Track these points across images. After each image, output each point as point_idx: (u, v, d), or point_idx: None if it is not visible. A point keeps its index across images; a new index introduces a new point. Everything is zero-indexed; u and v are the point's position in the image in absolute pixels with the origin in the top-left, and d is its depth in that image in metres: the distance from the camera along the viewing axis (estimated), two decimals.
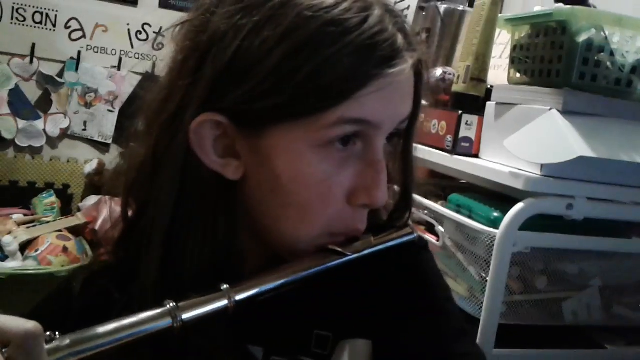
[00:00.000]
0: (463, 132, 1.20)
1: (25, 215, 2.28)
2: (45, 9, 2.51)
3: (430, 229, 1.22)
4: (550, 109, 1.01)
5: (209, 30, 0.53)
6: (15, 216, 2.21)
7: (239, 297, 0.51)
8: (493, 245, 1.00)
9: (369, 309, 0.61)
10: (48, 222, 2.20)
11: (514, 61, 1.17)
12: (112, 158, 2.65)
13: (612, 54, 1.01)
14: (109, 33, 2.62)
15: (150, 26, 2.67)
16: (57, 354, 0.44)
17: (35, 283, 1.88)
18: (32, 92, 2.54)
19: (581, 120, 0.99)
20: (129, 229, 0.60)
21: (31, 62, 2.51)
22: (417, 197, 0.93)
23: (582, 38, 0.99)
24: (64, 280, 0.66)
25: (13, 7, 2.47)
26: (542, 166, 0.98)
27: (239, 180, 0.55)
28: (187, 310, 0.49)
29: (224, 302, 0.51)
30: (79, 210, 2.43)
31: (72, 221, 2.23)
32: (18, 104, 2.51)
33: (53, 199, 2.39)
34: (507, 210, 0.99)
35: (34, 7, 2.50)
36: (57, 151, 2.61)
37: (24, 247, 2.02)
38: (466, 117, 1.20)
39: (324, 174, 0.53)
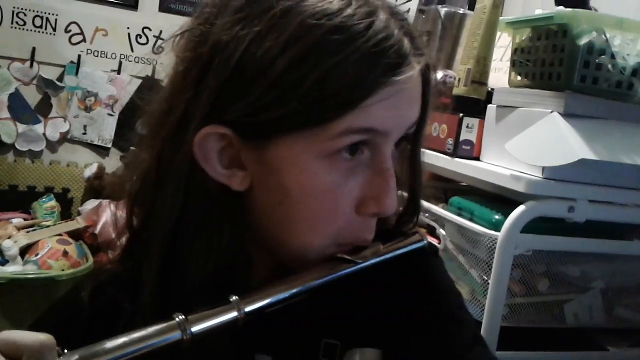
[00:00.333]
0: (464, 135, 1.20)
1: (25, 219, 2.27)
2: (45, 13, 2.52)
3: (432, 232, 1.22)
4: (552, 111, 1.01)
5: (209, 41, 0.52)
6: (15, 220, 2.21)
7: (248, 308, 0.51)
8: (494, 247, 1.00)
9: (378, 317, 0.61)
10: (48, 226, 2.19)
11: (514, 64, 1.18)
12: (112, 162, 2.65)
13: (613, 56, 1.01)
14: (109, 37, 2.63)
15: (150, 30, 2.67)
16: None
17: (35, 287, 1.88)
18: (32, 96, 2.54)
19: (582, 122, 0.99)
20: (135, 238, 0.59)
21: (31, 66, 2.51)
22: None
23: (583, 41, 0.99)
24: (71, 288, 0.66)
25: (13, 11, 2.47)
26: (544, 169, 0.98)
27: (245, 191, 0.54)
28: (196, 323, 0.49)
29: (233, 314, 0.50)
30: (78, 214, 2.43)
31: (72, 225, 2.23)
32: (18, 108, 2.51)
33: (53, 203, 2.39)
34: (509, 213, 0.99)
35: (34, 11, 2.50)
36: (57, 155, 2.61)
37: (24, 251, 2.02)
38: (467, 120, 1.20)
39: (331, 184, 0.52)
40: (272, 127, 0.51)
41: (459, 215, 1.14)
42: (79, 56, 2.58)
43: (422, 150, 0.61)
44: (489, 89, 1.23)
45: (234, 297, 0.51)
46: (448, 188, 1.29)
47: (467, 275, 1.10)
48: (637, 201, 1.04)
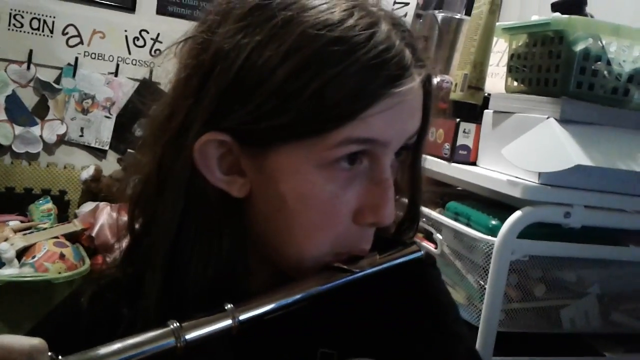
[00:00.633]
0: (461, 140, 1.20)
1: (21, 222, 2.27)
2: (42, 15, 2.52)
3: (429, 237, 1.23)
4: (548, 117, 1.01)
5: (211, 49, 0.52)
6: (11, 223, 2.20)
7: (243, 316, 0.51)
8: (491, 253, 1.00)
9: (375, 327, 0.61)
10: (45, 228, 2.19)
11: (511, 70, 1.18)
12: (109, 164, 2.65)
13: (609, 63, 1.02)
14: (107, 39, 2.63)
15: (147, 32, 2.67)
16: None
17: (32, 290, 1.88)
18: (29, 98, 2.53)
19: (578, 128, 0.99)
20: (136, 243, 0.59)
21: (28, 68, 2.51)
22: None
23: (579, 47, 1.00)
24: (70, 294, 0.66)
25: (10, 14, 2.47)
26: (540, 174, 0.98)
27: (245, 198, 0.55)
28: (190, 330, 0.49)
29: (227, 322, 0.50)
30: (75, 216, 2.42)
31: (69, 228, 2.22)
32: (15, 110, 2.50)
33: (50, 205, 2.38)
34: (505, 218, 0.99)
35: (31, 13, 2.50)
36: (54, 157, 2.61)
37: (21, 254, 2.01)
38: (464, 125, 1.20)
39: (329, 194, 0.52)
40: (272, 136, 0.51)
41: (456, 220, 1.15)
42: (77, 58, 2.58)
43: (424, 157, 0.61)
44: (486, 94, 1.23)
45: (229, 305, 0.51)
46: (445, 193, 1.29)
47: (464, 280, 1.11)
48: (633, 207, 1.04)
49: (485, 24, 1.20)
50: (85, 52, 2.60)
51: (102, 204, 2.37)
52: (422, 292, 0.64)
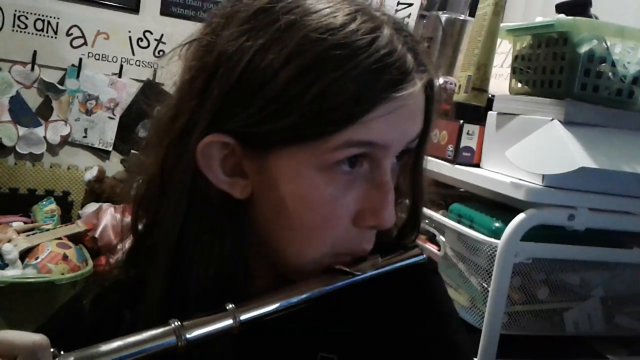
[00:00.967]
0: (464, 142, 1.20)
1: (25, 222, 2.27)
2: (46, 16, 2.52)
3: (432, 239, 1.22)
4: (552, 119, 1.01)
5: (215, 51, 0.52)
6: (15, 224, 2.20)
7: (244, 317, 0.51)
8: (494, 255, 1.00)
9: (375, 333, 0.60)
10: (48, 229, 2.19)
11: (515, 71, 1.18)
12: (112, 165, 2.65)
13: (613, 64, 1.01)
14: (110, 40, 2.63)
15: (151, 33, 2.68)
16: None
17: (35, 291, 1.88)
18: (33, 99, 2.54)
19: (583, 130, 0.99)
20: (139, 244, 0.60)
21: (32, 69, 2.51)
22: None
23: (583, 49, 0.99)
24: (73, 296, 0.66)
25: (15, 14, 2.48)
26: (544, 177, 0.98)
27: (247, 200, 0.55)
28: (191, 329, 0.49)
29: (229, 322, 0.50)
30: (79, 217, 2.43)
31: (72, 229, 2.23)
32: (19, 111, 2.51)
33: (53, 206, 2.38)
34: (509, 221, 0.99)
35: (35, 14, 2.50)
36: (58, 158, 2.61)
37: (24, 255, 2.01)
38: (467, 127, 1.20)
39: (329, 196, 0.52)
40: (273, 138, 0.51)
41: (459, 222, 1.14)
42: (80, 59, 2.58)
43: (426, 158, 0.60)
44: (490, 96, 1.23)
45: (230, 305, 0.51)
46: (448, 194, 1.29)
47: (467, 282, 1.10)
48: (637, 209, 1.04)
49: (489, 26, 1.19)
50: (89, 53, 2.60)
51: (105, 204, 2.37)
52: (423, 300, 0.63)
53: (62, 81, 2.57)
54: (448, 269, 1.17)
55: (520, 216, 0.98)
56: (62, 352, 0.45)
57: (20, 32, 2.49)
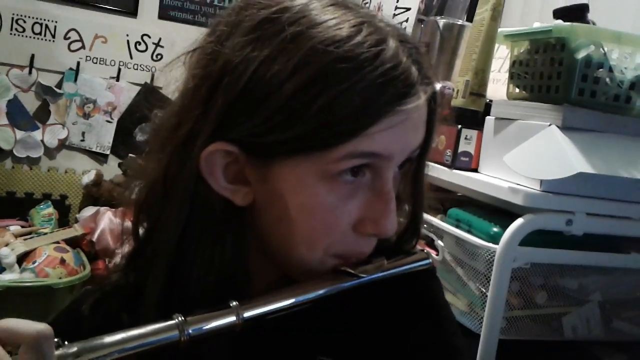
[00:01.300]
0: (462, 147, 1.20)
1: (22, 226, 2.27)
2: (44, 19, 2.52)
3: (430, 243, 1.22)
4: (550, 124, 1.01)
5: (220, 60, 0.53)
6: (12, 228, 2.20)
7: (247, 314, 0.51)
8: (493, 260, 1.00)
9: (374, 337, 0.61)
10: (45, 233, 2.19)
11: (513, 76, 1.18)
12: (110, 169, 2.65)
13: (611, 70, 1.01)
14: (108, 44, 2.63)
15: (149, 37, 2.68)
16: None
17: (32, 295, 1.88)
18: (30, 103, 2.54)
19: (580, 136, 0.99)
20: (140, 248, 0.60)
21: (30, 72, 2.52)
22: None
23: (581, 54, 1.00)
24: (72, 301, 0.66)
25: (12, 18, 2.48)
26: (542, 182, 0.98)
27: (248, 206, 0.55)
28: (194, 325, 0.49)
29: (232, 319, 0.51)
30: (76, 221, 2.42)
31: (69, 232, 2.22)
32: (16, 115, 2.51)
33: (50, 210, 2.38)
34: (507, 226, 0.99)
35: (33, 18, 2.51)
36: (55, 162, 2.61)
37: (22, 259, 2.01)
38: (465, 132, 1.20)
39: (330, 205, 0.53)
40: (277, 149, 0.52)
41: (457, 227, 1.14)
42: (78, 63, 2.59)
43: (427, 164, 0.61)
44: (488, 101, 1.23)
45: (234, 302, 0.51)
46: (446, 199, 1.29)
47: (465, 287, 1.10)
48: (634, 214, 1.04)
49: (487, 31, 1.20)
50: (87, 56, 2.60)
51: (102, 208, 2.37)
52: (422, 304, 0.64)
53: (59, 85, 2.57)
54: (446, 273, 1.17)
55: (519, 221, 0.98)
56: (65, 343, 0.45)
57: (18, 35, 2.49)
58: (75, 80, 2.59)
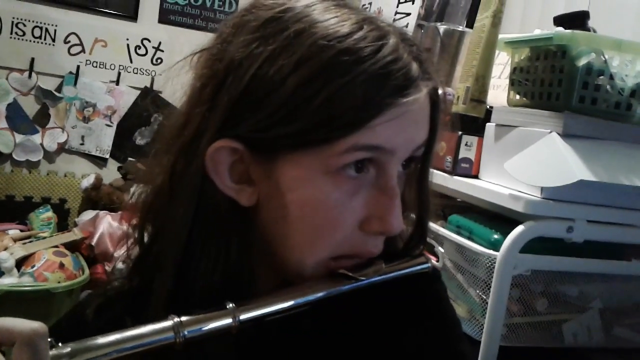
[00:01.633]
0: (463, 153, 1.20)
1: (21, 230, 2.27)
2: (44, 23, 2.52)
3: (430, 249, 1.22)
4: (551, 131, 1.01)
5: (225, 59, 0.54)
6: (11, 232, 2.20)
7: (243, 316, 0.51)
8: (493, 267, 1.00)
9: (378, 339, 0.60)
10: (44, 237, 2.19)
11: (513, 83, 1.18)
12: (109, 173, 2.65)
13: (611, 77, 1.02)
14: (108, 48, 2.63)
15: (149, 41, 2.68)
16: None
17: (31, 299, 1.88)
18: (30, 107, 2.54)
19: (581, 143, 0.99)
20: (145, 252, 0.60)
21: (30, 76, 2.52)
22: None
23: (582, 62, 1.00)
24: (76, 305, 0.66)
25: (13, 22, 2.48)
26: (543, 189, 0.98)
27: (253, 207, 0.55)
28: (190, 326, 0.49)
29: (228, 321, 0.50)
30: (75, 225, 2.42)
31: (68, 237, 2.22)
32: (16, 118, 2.51)
33: (50, 214, 2.38)
34: (507, 232, 0.99)
35: (33, 21, 2.51)
36: (54, 165, 2.61)
37: (20, 263, 2.01)
38: (466, 138, 1.20)
39: (335, 201, 0.53)
40: (281, 143, 0.52)
41: (458, 233, 1.14)
42: (78, 67, 2.59)
43: (431, 175, 0.61)
44: (488, 107, 1.23)
45: (231, 304, 0.51)
46: (447, 205, 1.29)
47: (466, 294, 1.10)
48: (635, 221, 1.04)
49: (487, 37, 1.20)
50: (87, 60, 2.60)
51: (102, 212, 2.37)
52: (427, 308, 0.63)
53: (59, 88, 2.58)
54: (446, 280, 1.17)
55: (519, 228, 0.98)
56: (59, 344, 0.45)
57: (18, 39, 2.49)
58: (75, 84, 2.59)
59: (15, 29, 2.49)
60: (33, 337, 0.43)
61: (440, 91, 0.57)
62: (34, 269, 1.96)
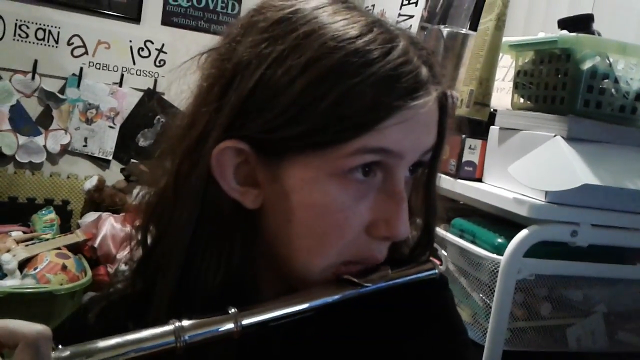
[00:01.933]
0: (466, 156, 1.19)
1: (24, 232, 2.27)
2: (47, 25, 2.53)
3: (433, 253, 1.22)
4: (555, 135, 1.01)
5: (234, 59, 0.53)
6: (14, 233, 2.20)
7: (246, 321, 0.50)
8: (497, 271, 0.99)
9: (384, 346, 0.60)
10: (47, 239, 2.19)
11: (517, 86, 1.18)
12: (112, 174, 2.65)
13: (616, 81, 1.01)
14: (111, 50, 2.64)
15: (152, 43, 2.69)
16: None
17: (33, 301, 1.88)
18: (33, 108, 2.54)
19: (586, 147, 0.99)
20: (147, 255, 0.59)
21: (33, 78, 2.52)
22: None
23: (586, 65, 0.99)
24: (78, 308, 0.66)
25: (16, 24, 2.48)
26: (547, 193, 0.98)
27: (258, 210, 0.55)
28: (191, 331, 0.48)
29: (230, 326, 0.50)
30: (78, 226, 2.42)
31: (71, 239, 2.22)
32: (19, 120, 2.51)
33: (52, 215, 2.38)
34: (511, 236, 0.99)
35: (36, 23, 2.51)
36: (57, 167, 2.61)
37: (23, 265, 2.01)
38: (470, 142, 1.20)
39: (341, 205, 0.52)
40: (288, 145, 0.51)
41: (461, 237, 1.14)
42: (81, 69, 2.59)
43: (438, 180, 0.60)
44: (492, 110, 1.23)
45: (233, 309, 0.51)
46: (450, 208, 1.28)
47: (469, 298, 1.10)
48: None
49: (491, 41, 1.19)
50: (90, 62, 2.61)
51: (104, 214, 2.37)
52: (433, 315, 0.63)
53: (62, 90, 2.58)
54: (450, 284, 1.16)
55: (523, 232, 0.98)
56: (59, 347, 0.45)
57: (21, 41, 2.50)
58: (78, 85, 2.59)
59: (18, 31, 2.49)
60: (37, 339, 0.43)
61: (449, 95, 0.56)
62: (37, 270, 1.96)
